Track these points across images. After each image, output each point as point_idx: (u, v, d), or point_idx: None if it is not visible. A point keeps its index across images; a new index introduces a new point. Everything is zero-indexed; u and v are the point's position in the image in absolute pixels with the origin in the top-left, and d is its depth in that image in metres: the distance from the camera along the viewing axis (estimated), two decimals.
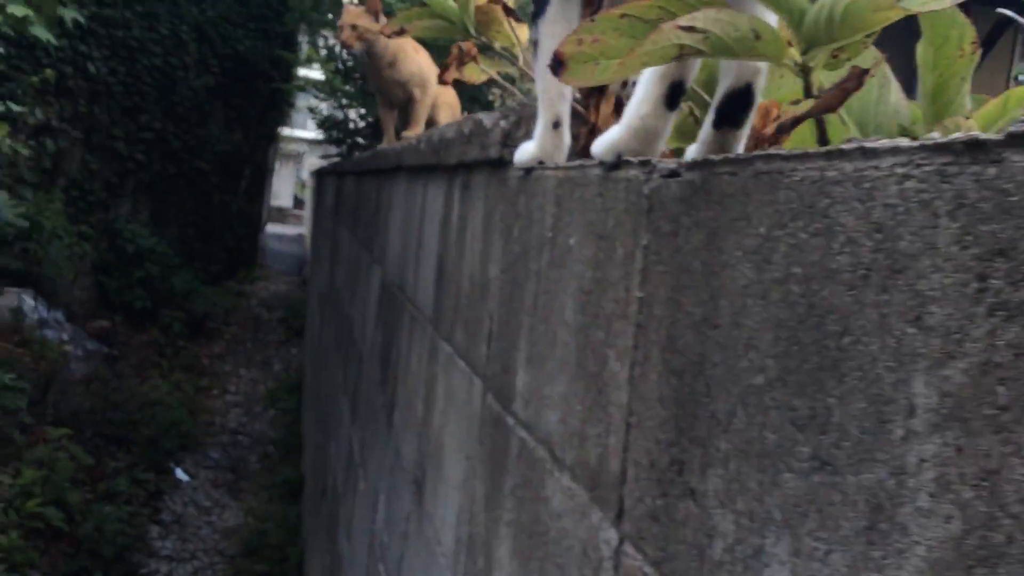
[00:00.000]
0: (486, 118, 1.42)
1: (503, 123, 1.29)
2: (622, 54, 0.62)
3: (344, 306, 4.31)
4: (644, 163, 0.81)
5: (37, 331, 6.99)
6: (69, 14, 4.62)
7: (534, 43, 1.15)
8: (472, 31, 1.70)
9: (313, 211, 12.56)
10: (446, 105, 3.27)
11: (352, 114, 5.82)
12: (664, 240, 0.74)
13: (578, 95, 1.27)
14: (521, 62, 1.71)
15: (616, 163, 0.88)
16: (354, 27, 2.94)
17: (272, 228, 15.33)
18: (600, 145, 0.91)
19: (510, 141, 1.28)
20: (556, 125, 1.15)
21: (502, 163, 1.31)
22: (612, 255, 0.85)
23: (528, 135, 1.28)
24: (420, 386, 1.88)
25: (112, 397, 6.97)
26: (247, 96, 10.14)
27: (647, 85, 0.88)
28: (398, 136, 3.15)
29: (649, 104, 0.89)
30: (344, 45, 2.95)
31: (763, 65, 0.92)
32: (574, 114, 1.29)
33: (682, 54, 0.62)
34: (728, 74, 0.95)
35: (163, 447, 6.68)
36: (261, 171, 11.17)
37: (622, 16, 0.63)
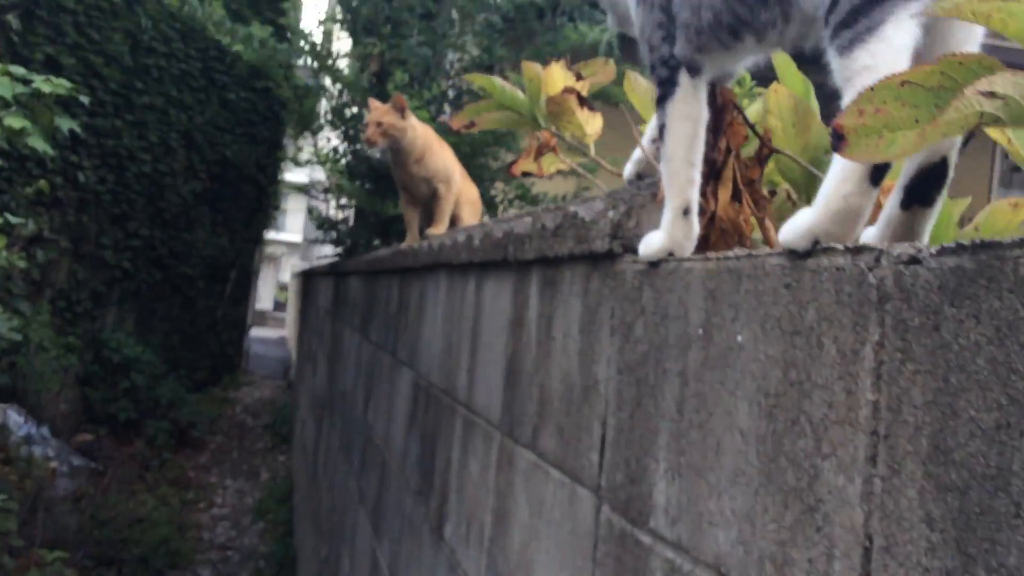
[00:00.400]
0: (582, 210, 1.34)
1: (611, 214, 1.21)
2: (907, 125, 0.55)
3: (355, 411, 4.18)
4: (856, 250, 0.73)
5: (23, 448, 6.77)
6: (67, 124, 4.58)
7: (660, 127, 1.08)
8: (542, 122, 1.64)
9: (299, 313, 12.44)
10: (468, 202, 3.21)
11: (349, 214, 5.78)
12: (915, 336, 0.65)
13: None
14: (593, 152, 1.65)
15: (809, 251, 0.79)
16: (379, 124, 2.90)
17: (254, 332, 15.19)
18: (793, 231, 0.81)
19: (621, 233, 1.20)
20: (686, 212, 1.07)
21: (611, 256, 1.23)
22: (817, 353, 0.76)
23: (639, 226, 1.21)
24: (486, 497, 1.76)
25: (99, 515, 6.72)
26: (234, 200, 10.14)
27: (845, 160, 0.77)
28: (422, 234, 3.08)
29: (853, 182, 0.79)
30: (369, 143, 2.92)
31: (957, 138, 0.85)
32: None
33: (980, 123, 0.54)
34: None
35: (153, 566, 6.43)
36: (247, 274, 11.11)
37: (902, 84, 0.55)
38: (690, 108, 1.03)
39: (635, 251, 1.20)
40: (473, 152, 4.69)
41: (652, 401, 1.06)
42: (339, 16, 4.93)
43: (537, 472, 1.47)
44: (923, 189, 0.85)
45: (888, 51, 0.77)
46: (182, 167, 9.21)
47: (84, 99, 4.99)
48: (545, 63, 4.39)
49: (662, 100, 1.07)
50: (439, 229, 2.98)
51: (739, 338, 0.88)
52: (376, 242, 5.18)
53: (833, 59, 0.83)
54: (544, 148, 1.53)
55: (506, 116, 1.64)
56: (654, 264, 1.09)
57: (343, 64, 4.95)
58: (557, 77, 1.57)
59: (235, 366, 11.34)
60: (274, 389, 12.02)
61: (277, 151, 11.63)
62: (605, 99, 3.19)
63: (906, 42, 0.78)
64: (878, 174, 0.80)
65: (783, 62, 1.31)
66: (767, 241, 1.16)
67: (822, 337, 0.75)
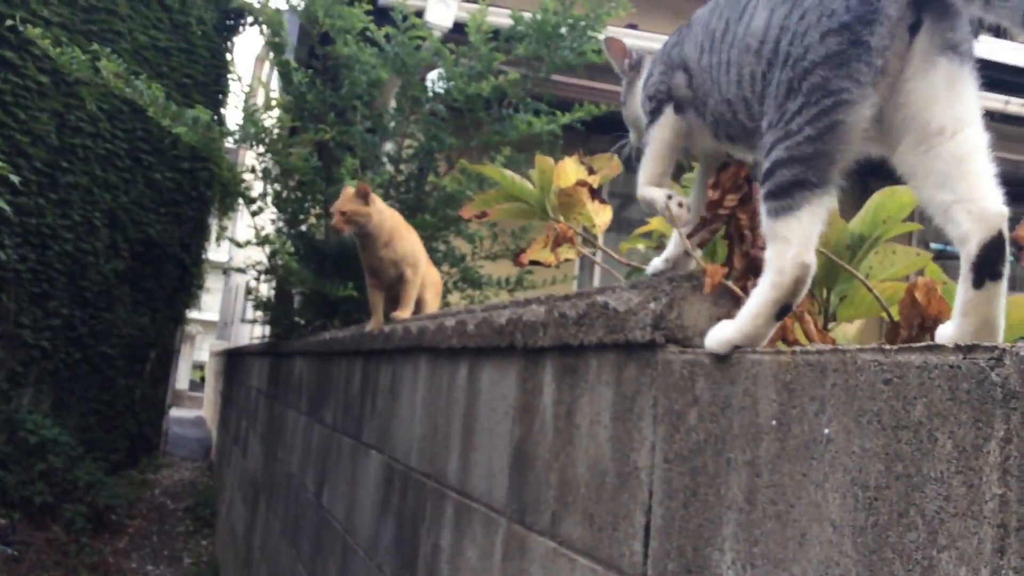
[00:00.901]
0: (611, 300, 1.36)
1: (653, 305, 1.24)
2: None
3: (303, 494, 4.09)
4: (968, 348, 0.76)
5: None
6: None
7: (773, 237, 1.07)
8: (551, 213, 1.67)
9: (220, 393, 12.16)
10: (432, 284, 3.22)
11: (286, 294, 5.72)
12: None
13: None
14: (600, 241, 1.68)
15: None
16: (343, 212, 2.92)
17: (172, 412, 14.80)
18: (716, 340, 1.09)
19: (664, 324, 1.22)
20: (776, 314, 1.09)
21: (651, 346, 1.25)
22: (929, 448, 0.78)
23: (680, 317, 1.23)
24: None
25: None
26: (156, 279, 9.97)
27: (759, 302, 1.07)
28: (387, 318, 3.07)
29: (765, 316, 1.07)
30: (335, 230, 2.93)
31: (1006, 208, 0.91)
32: (724, 291, 1.25)
33: None
34: (970, 225, 0.93)
35: None
36: (167, 354, 10.85)
37: None
38: (812, 225, 1.07)
39: (678, 342, 1.23)
40: (425, 238, 4.71)
41: (713, 490, 1.08)
42: (275, 102, 4.94)
43: (559, 560, 1.46)
44: (989, 264, 0.90)
45: (800, 233, 1.03)
46: (104, 246, 9.05)
47: (14, 178, 4.89)
48: (496, 151, 4.48)
49: (775, 213, 1.08)
50: (405, 312, 2.98)
51: (826, 431, 0.90)
52: (322, 323, 5.12)
53: (762, 210, 1.08)
54: (562, 239, 1.55)
55: (517, 207, 1.67)
56: (713, 356, 1.11)
57: (292, 149, 4.94)
58: (569, 170, 1.61)
59: (154, 447, 10.99)
60: (194, 471, 11.67)
61: (202, 230, 11.51)
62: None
63: (816, 230, 1.04)
64: (783, 312, 1.07)
65: None
66: (806, 333, 1.20)
67: (935, 432, 0.78)
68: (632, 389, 1.30)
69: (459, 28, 6.12)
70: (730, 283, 1.19)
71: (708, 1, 1.26)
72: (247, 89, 5.33)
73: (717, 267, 1.18)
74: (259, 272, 5.50)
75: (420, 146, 4.81)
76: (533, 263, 1.69)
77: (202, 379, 25.19)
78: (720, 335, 1.09)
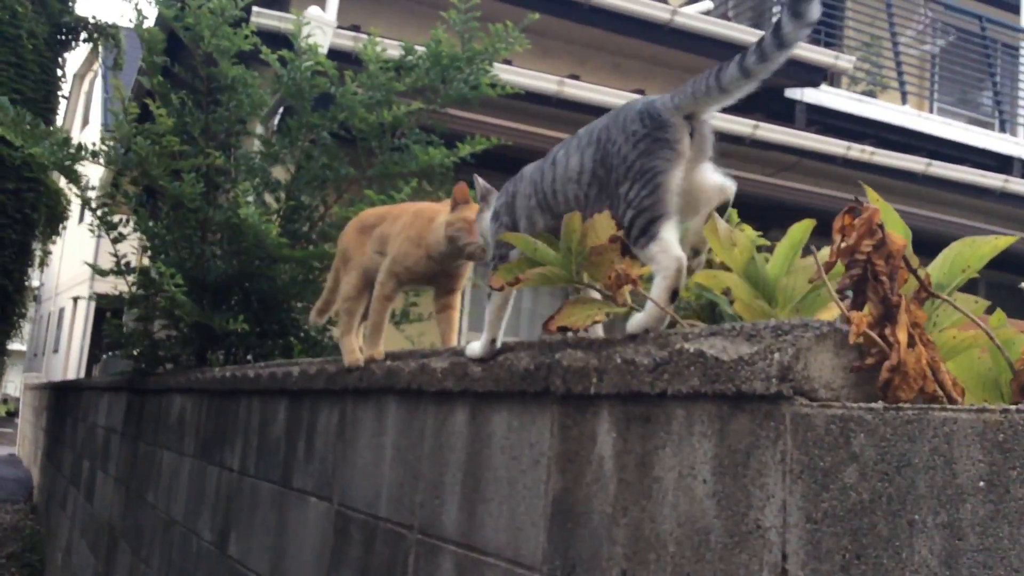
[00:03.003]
0: (707, 347, 1.31)
1: (778, 356, 1.19)
2: None
3: (193, 544, 3.82)
4: None
5: None
6: None
7: (652, 257, 1.50)
8: (573, 275, 1.62)
9: (46, 431, 11.32)
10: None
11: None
12: None
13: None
14: (630, 301, 1.62)
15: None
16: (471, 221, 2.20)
17: None
18: (634, 325, 1.52)
19: (791, 376, 1.18)
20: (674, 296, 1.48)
21: (775, 398, 1.20)
22: None
23: (807, 368, 1.19)
24: None
25: None
26: None
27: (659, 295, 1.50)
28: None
29: (664, 301, 1.49)
30: (470, 246, 2.20)
31: None
32: (856, 345, 1.22)
33: None
34: None
35: None
36: None
37: None
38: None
39: (804, 394, 1.18)
40: (323, 268, 4.53)
41: (889, 553, 1.03)
42: (161, 122, 4.66)
43: None
44: None
45: (667, 242, 1.47)
46: None
47: None
48: (392, 182, 4.34)
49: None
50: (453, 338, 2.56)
51: None
52: (198, 358, 4.84)
53: (639, 253, 1.53)
54: (624, 280, 1.48)
55: (551, 272, 1.60)
56: (877, 413, 1.07)
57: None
58: (600, 226, 1.55)
59: None
60: (15, 513, 10.81)
61: (26, 255, 10.80)
62: None
63: (674, 237, 1.48)
64: (675, 297, 1.48)
65: (886, 210, 1.36)
66: (942, 386, 1.18)
67: None
68: (746, 443, 1.25)
69: (334, 55, 5.99)
70: (872, 332, 1.16)
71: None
72: (119, 107, 5.00)
73: (862, 315, 1.15)
74: (126, 301, 5.14)
75: (314, 174, 4.63)
76: (562, 329, 1.62)
77: (8, 413, 23.51)
78: (635, 323, 1.52)
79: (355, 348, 2.52)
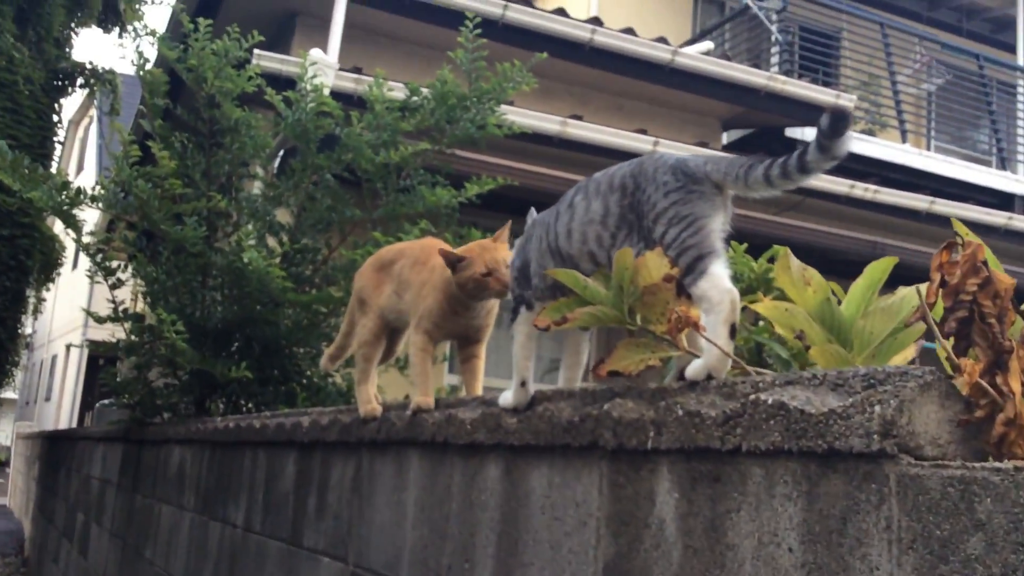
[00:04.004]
0: (788, 399, 1.17)
1: (879, 408, 1.05)
2: None
3: None
4: None
5: None
6: None
7: (703, 294, 1.42)
8: (625, 315, 1.48)
9: (38, 481, 11.08)
10: None
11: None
12: None
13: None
14: (686, 344, 1.48)
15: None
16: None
17: None
18: (694, 371, 1.39)
19: (894, 431, 1.04)
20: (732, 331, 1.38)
21: (878, 457, 1.06)
22: None
23: (911, 423, 1.06)
24: None
25: None
26: None
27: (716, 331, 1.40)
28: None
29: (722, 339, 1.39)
30: (501, 287, 2.08)
31: None
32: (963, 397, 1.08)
33: None
34: None
35: None
36: None
37: None
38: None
39: (908, 451, 1.05)
40: (327, 313, 4.41)
41: None
42: (163, 165, 4.54)
43: None
44: None
45: (718, 276, 1.41)
46: None
47: None
48: (399, 223, 4.16)
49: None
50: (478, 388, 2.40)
51: None
52: (197, 407, 4.69)
53: (690, 290, 1.43)
54: (684, 323, 1.35)
55: (601, 312, 1.47)
56: (1006, 475, 0.93)
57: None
58: (652, 265, 1.42)
59: None
60: (5, 567, 10.54)
61: (20, 302, 10.65)
62: None
63: (726, 273, 1.42)
64: (734, 332, 1.39)
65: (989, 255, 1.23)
66: None
67: None
68: (841, 507, 1.10)
69: (335, 96, 5.89)
70: (983, 381, 1.02)
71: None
72: (119, 150, 4.88)
73: (974, 363, 1.01)
74: (123, 348, 4.99)
75: (319, 216, 4.51)
76: (612, 374, 1.49)
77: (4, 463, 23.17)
78: (696, 369, 1.39)
79: (372, 397, 2.37)
